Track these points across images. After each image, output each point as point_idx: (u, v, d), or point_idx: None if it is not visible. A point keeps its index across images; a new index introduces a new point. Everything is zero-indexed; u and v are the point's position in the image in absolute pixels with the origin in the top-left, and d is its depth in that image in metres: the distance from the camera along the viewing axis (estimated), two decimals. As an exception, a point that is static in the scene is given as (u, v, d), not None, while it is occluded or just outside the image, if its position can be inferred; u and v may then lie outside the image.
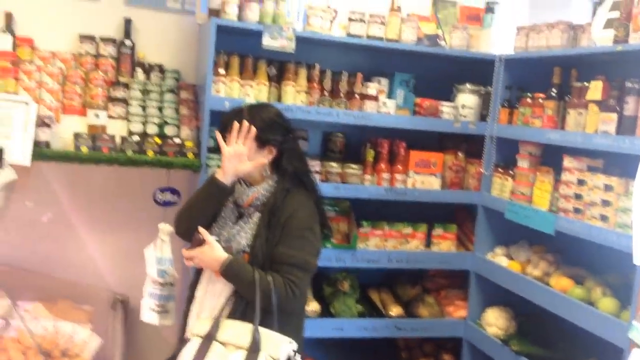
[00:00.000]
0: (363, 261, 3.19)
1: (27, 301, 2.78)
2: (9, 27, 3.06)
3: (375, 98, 3.19)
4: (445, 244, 3.36)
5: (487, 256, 3.22)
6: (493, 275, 3.13)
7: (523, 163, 3.00)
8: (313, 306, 3.13)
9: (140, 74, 3.17)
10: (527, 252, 3.08)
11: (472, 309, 3.31)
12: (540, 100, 2.89)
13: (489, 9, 3.34)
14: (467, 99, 3.32)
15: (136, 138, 2.90)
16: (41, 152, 2.67)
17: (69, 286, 2.89)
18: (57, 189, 3.13)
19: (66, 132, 2.85)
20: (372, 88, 3.20)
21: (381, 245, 3.25)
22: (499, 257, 3.15)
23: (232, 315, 2.13)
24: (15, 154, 2.47)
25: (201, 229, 2.19)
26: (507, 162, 3.16)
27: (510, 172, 3.08)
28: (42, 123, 2.71)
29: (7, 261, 2.71)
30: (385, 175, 3.23)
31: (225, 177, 2.21)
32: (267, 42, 2.93)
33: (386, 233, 3.26)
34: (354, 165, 3.21)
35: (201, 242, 2.17)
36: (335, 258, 3.13)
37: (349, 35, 3.15)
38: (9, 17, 3.06)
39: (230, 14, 2.95)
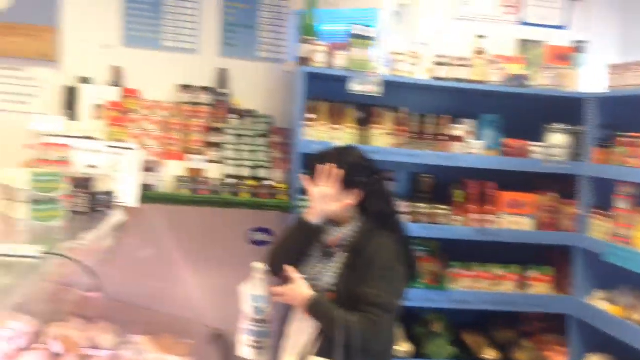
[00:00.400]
0: (455, 302, 3.15)
1: (135, 334, 2.94)
2: (117, 80, 3.34)
3: (462, 139, 3.20)
4: (540, 286, 3.26)
5: (586, 300, 3.10)
6: (594, 320, 3.00)
7: (622, 204, 2.89)
8: (405, 347, 3.11)
9: (234, 119, 3.34)
10: (629, 296, 2.93)
11: (572, 355, 3.17)
12: (637, 140, 2.80)
13: (578, 48, 3.30)
14: (557, 139, 3.25)
15: (231, 181, 3.06)
16: (147, 194, 2.87)
17: (171, 321, 3.02)
18: (159, 229, 3.33)
19: (168, 175, 3.05)
20: (458, 129, 3.22)
21: (472, 286, 3.21)
22: (599, 301, 3.02)
23: (320, 352, 2.17)
24: (124, 197, 2.67)
25: (289, 267, 2.26)
26: (601, 202, 3.05)
27: (607, 212, 2.97)
28: (147, 168, 2.92)
29: (118, 297, 2.89)
30: (475, 216, 3.20)
31: (312, 217, 2.28)
32: (354, 87, 3.02)
33: (477, 274, 3.22)
34: (442, 206, 3.21)
35: (289, 280, 2.24)
36: (425, 298, 3.11)
37: (434, 78, 3.20)
38: (117, 71, 3.35)
39: (319, 62, 3.08)
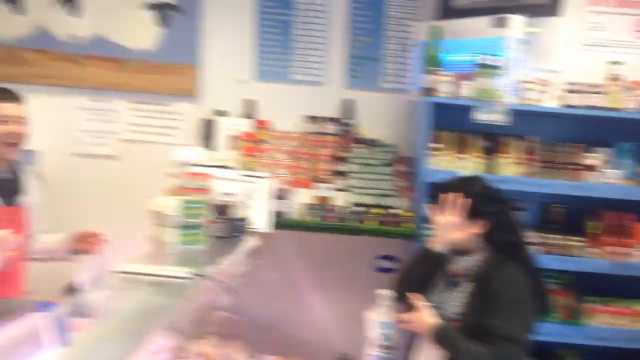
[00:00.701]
0: (592, 339, 3.01)
1: (266, 354, 3.07)
2: (250, 113, 3.55)
3: (595, 168, 3.08)
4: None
5: None
6: None
7: None
8: (539, 383, 3.01)
9: (359, 149, 3.44)
10: None
11: None
12: None
13: None
14: None
15: (357, 208, 3.15)
16: (279, 221, 3.01)
17: (300, 343, 3.13)
18: (290, 254, 3.48)
19: (297, 203, 3.19)
20: (592, 158, 3.10)
21: (611, 323, 3.04)
22: None
23: (448, 380, 2.17)
24: (258, 223, 2.83)
25: (414, 295, 2.28)
26: None
27: None
28: (278, 195, 3.08)
29: (251, 317, 3.06)
30: (612, 249, 3.05)
31: (437, 246, 2.30)
32: (481, 116, 3.01)
33: (615, 309, 3.05)
34: (576, 238, 3.09)
35: (415, 308, 2.26)
36: (559, 333, 3.00)
37: (565, 106, 3.11)
38: (251, 104, 3.56)
39: (444, 92, 3.10)
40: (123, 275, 1.95)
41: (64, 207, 3.47)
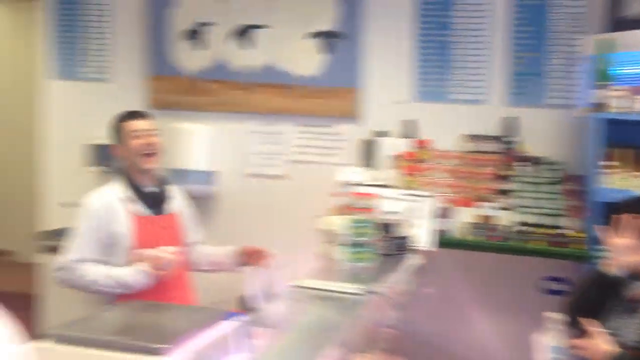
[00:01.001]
0: None
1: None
2: (410, 132, 3.61)
3: None
4: None
5: None
6: None
7: None
8: None
9: (523, 167, 3.36)
10: None
11: None
12: None
13: None
14: None
15: (523, 228, 3.08)
16: (441, 239, 3.04)
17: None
18: (452, 272, 3.48)
19: (459, 221, 3.20)
20: None
21: None
22: None
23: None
24: (421, 241, 2.89)
25: (588, 320, 2.19)
26: None
27: None
28: (440, 214, 3.11)
29: (415, 334, 3.11)
30: None
31: (612, 269, 2.20)
32: (659, 131, 2.84)
33: None
34: None
35: (589, 333, 2.17)
36: None
37: None
38: (410, 124, 3.63)
39: (616, 107, 2.95)
40: (299, 289, 2.10)
41: (238, 222, 3.78)
